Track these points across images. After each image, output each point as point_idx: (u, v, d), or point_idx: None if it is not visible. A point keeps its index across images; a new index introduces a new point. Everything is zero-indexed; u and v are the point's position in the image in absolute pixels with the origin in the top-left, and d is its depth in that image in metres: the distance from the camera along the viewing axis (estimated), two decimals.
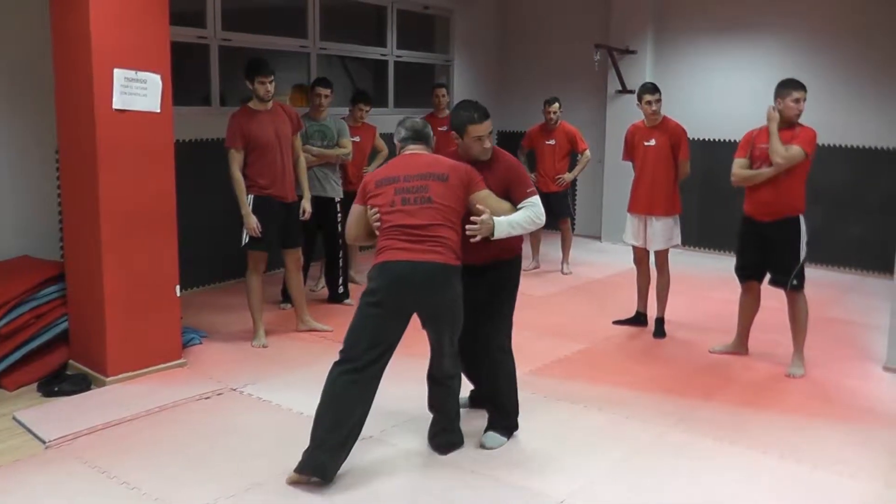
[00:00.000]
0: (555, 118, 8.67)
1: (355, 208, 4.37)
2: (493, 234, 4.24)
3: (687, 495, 4.08)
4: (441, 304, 4.19)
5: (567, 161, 8.84)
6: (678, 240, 6.69)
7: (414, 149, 4.43)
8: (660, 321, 6.71)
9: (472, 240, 4.20)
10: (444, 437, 4.51)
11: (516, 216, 4.33)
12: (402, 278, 4.08)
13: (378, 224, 4.22)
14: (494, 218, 4.23)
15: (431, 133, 4.57)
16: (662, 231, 6.59)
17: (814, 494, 4.11)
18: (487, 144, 4.41)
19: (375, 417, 4.80)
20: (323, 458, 4.02)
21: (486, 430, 4.61)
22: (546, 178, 8.75)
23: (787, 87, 5.65)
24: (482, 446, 4.51)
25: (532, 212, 4.37)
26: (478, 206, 4.24)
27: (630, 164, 6.88)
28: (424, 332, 4.35)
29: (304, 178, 6.50)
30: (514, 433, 4.66)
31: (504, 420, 4.64)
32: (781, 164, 5.55)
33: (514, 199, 4.40)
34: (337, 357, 4.19)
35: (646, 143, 6.61)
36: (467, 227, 4.19)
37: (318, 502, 3.93)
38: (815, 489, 4.16)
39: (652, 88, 6.58)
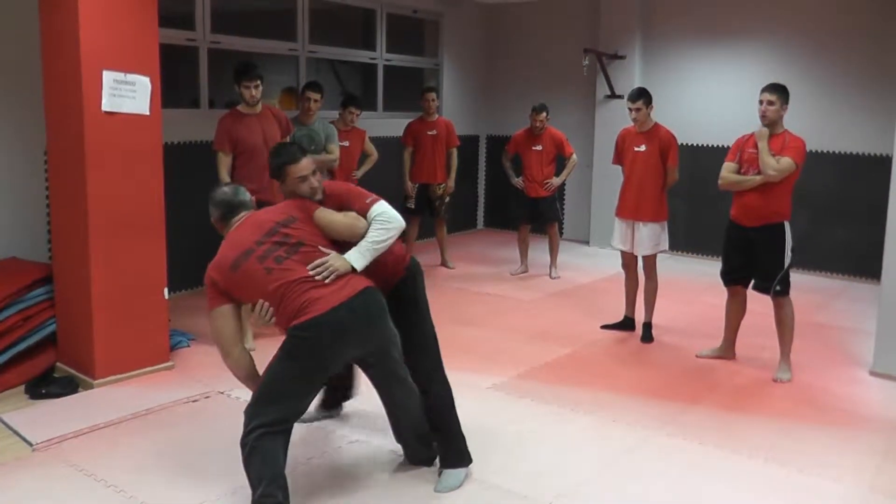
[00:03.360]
0: (540, 126, 8.67)
1: (218, 311, 3.86)
2: (354, 269, 3.79)
3: (672, 498, 4.09)
4: (386, 336, 3.85)
5: (554, 166, 8.85)
6: (665, 245, 6.71)
7: (238, 219, 4.03)
8: (647, 326, 6.73)
9: (326, 280, 3.70)
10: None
11: (367, 238, 3.87)
12: (341, 326, 3.65)
13: (271, 315, 3.78)
14: (344, 256, 3.80)
15: (247, 196, 4.16)
16: (650, 236, 6.60)
17: (799, 497, 4.13)
18: (315, 183, 4.01)
19: (362, 421, 4.84)
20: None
21: (440, 469, 4.20)
22: (534, 184, 8.77)
23: (761, 90, 5.72)
24: (439, 490, 4.08)
25: (379, 223, 3.90)
26: (320, 247, 3.81)
27: (619, 168, 6.90)
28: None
29: None
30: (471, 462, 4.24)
31: (456, 445, 4.21)
32: (774, 177, 5.57)
33: (356, 213, 3.99)
34: (253, 419, 3.73)
35: (636, 149, 6.61)
36: (310, 269, 3.72)
37: None
38: (800, 492, 4.18)
39: (633, 96, 6.56)
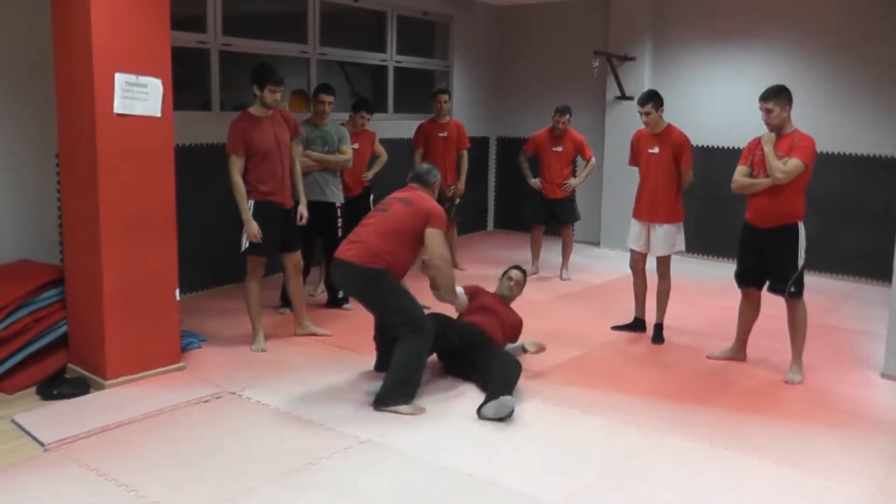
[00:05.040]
0: (563, 128, 8.71)
1: None
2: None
3: (682, 501, 4.09)
4: (360, 295, 5.29)
5: (571, 167, 8.88)
6: (682, 246, 6.69)
7: (410, 185, 5.50)
8: (658, 327, 6.73)
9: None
10: (381, 391, 5.10)
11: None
12: (334, 271, 5.36)
13: None
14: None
15: (433, 180, 5.53)
16: (665, 237, 6.60)
17: (809, 500, 4.12)
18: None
19: (374, 420, 4.86)
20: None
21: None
22: (552, 185, 8.80)
23: (759, 98, 5.74)
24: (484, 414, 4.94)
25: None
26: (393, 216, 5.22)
27: (633, 169, 6.90)
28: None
29: (299, 184, 6.48)
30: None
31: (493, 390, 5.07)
32: (782, 179, 5.56)
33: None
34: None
35: (649, 151, 6.62)
36: None
37: None
38: (810, 495, 4.17)
39: (642, 100, 6.57)
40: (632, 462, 4.49)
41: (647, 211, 6.68)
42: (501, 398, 4.90)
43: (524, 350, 5.76)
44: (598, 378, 5.82)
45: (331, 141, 7.18)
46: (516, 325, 6.12)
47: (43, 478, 4.16)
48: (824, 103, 9.00)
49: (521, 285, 6.31)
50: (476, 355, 5.48)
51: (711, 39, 9.93)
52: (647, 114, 6.52)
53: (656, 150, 6.58)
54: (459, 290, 5.77)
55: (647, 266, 6.88)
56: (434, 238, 5.16)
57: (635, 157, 6.85)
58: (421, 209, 5.18)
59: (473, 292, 6.10)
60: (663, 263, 6.71)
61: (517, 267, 6.42)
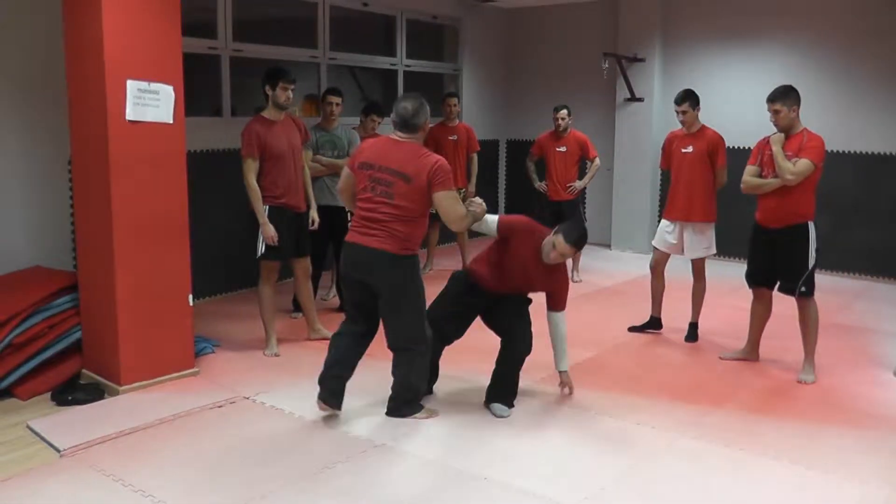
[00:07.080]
0: (563, 125, 8.65)
1: (345, 170, 5.09)
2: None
3: (698, 501, 4.09)
4: (381, 283, 4.72)
5: (577, 169, 8.83)
6: (714, 249, 6.72)
7: (397, 135, 4.91)
8: (693, 326, 6.80)
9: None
10: (391, 404, 5.03)
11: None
12: (353, 257, 4.78)
13: None
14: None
15: (421, 122, 4.89)
16: (701, 239, 6.64)
17: (823, 500, 4.12)
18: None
19: (387, 424, 4.86)
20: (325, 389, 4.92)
21: (489, 404, 5.19)
22: (557, 186, 8.75)
23: (766, 100, 5.76)
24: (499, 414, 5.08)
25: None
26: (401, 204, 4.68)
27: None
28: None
29: (310, 189, 6.53)
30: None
31: (505, 390, 5.22)
32: (792, 181, 5.55)
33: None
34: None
35: (683, 150, 6.65)
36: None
37: None
38: (825, 494, 4.17)
39: (679, 99, 6.64)
40: (646, 463, 4.49)
41: (682, 211, 6.68)
42: (493, 405, 5.12)
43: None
44: (611, 380, 5.82)
45: (340, 145, 7.20)
46: (550, 291, 5.43)
47: (59, 483, 4.18)
48: (835, 101, 8.98)
49: (563, 255, 5.10)
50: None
51: (720, 40, 9.92)
52: (684, 112, 6.58)
53: (690, 149, 6.61)
54: (492, 218, 5.48)
55: (669, 267, 6.90)
56: (444, 202, 4.71)
57: (667, 159, 6.88)
58: (422, 181, 4.63)
59: (509, 233, 5.37)
60: (699, 265, 6.74)
61: (563, 230, 5.04)
